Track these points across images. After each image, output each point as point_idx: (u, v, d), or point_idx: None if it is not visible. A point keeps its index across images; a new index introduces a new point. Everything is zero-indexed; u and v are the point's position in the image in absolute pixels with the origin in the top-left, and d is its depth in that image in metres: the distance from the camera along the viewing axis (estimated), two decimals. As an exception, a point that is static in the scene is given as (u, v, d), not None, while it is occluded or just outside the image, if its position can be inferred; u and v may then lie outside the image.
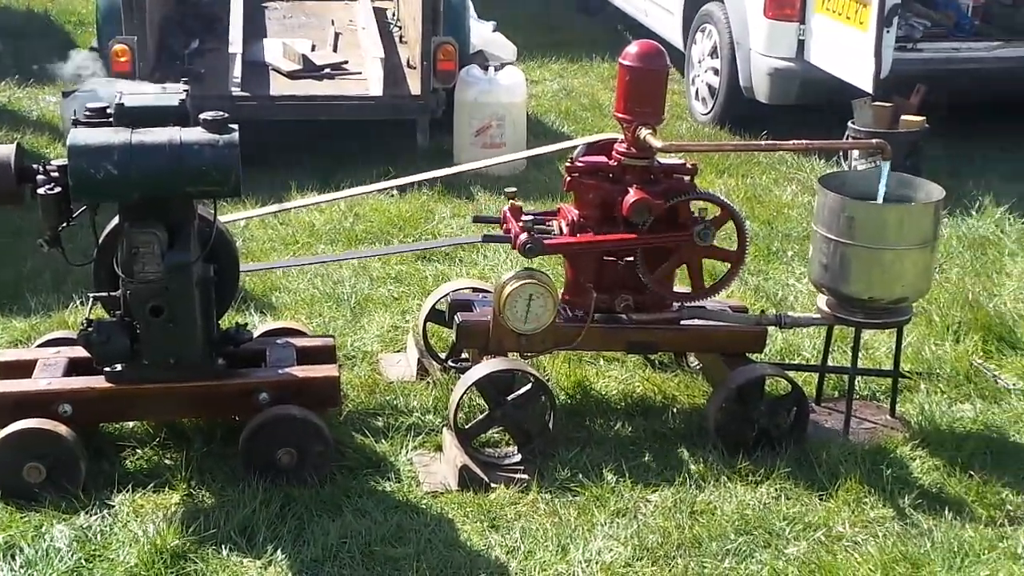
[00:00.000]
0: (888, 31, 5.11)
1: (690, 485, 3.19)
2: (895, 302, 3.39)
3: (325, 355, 3.33)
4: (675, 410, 3.57)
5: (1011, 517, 3.12)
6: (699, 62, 6.56)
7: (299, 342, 3.37)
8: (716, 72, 6.34)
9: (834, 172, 3.67)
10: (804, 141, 3.47)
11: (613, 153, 3.44)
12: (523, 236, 3.36)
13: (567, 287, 3.52)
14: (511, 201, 3.48)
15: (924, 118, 5.18)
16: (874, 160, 4.98)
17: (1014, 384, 3.77)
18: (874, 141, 3.42)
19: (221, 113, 2.96)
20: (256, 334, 3.45)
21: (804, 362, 3.85)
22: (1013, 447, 3.44)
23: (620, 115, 3.40)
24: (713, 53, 6.38)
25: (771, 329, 3.60)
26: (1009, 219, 5.09)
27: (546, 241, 3.39)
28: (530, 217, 3.50)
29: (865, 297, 3.36)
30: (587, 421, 3.50)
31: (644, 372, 3.77)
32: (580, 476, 3.20)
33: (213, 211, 3.09)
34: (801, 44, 5.74)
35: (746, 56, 6.04)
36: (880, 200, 3.36)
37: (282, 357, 3.27)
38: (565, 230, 3.46)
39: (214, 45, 6.09)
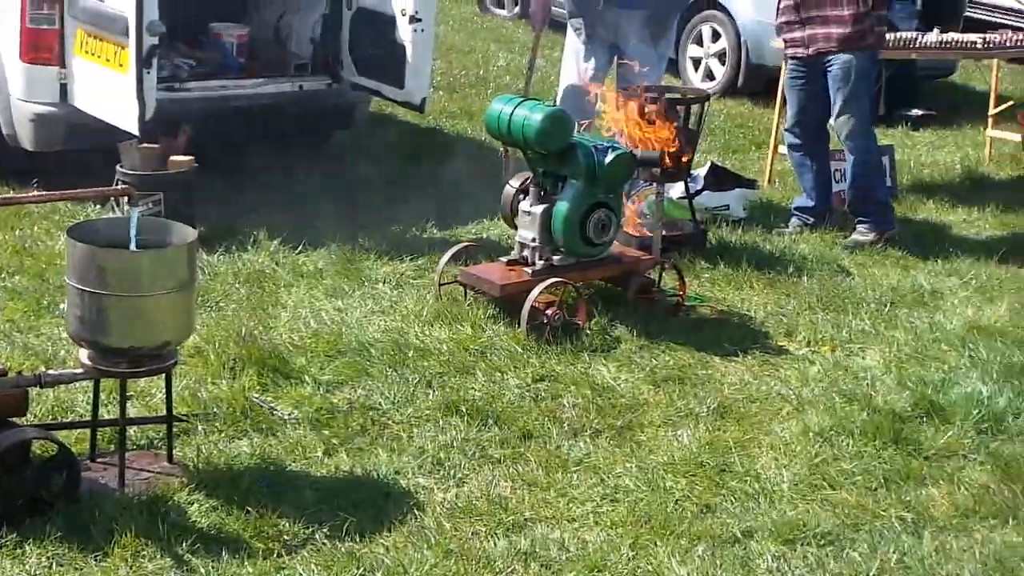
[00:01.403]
0: (148, 72, 5.17)
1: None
2: (159, 348, 3.45)
3: None
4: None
5: (287, 546, 3.31)
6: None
7: None
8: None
9: (85, 221, 3.65)
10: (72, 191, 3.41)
11: None
12: None
13: None
14: None
15: (192, 157, 5.34)
16: (149, 204, 5.03)
17: (290, 414, 4.02)
18: (119, 188, 3.45)
19: None
20: None
21: (79, 418, 3.79)
22: (290, 476, 3.67)
23: None
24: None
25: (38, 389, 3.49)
26: (283, 251, 5.42)
27: None
28: None
29: (126, 346, 3.38)
30: None
31: None
32: None
33: None
34: (64, 88, 5.62)
35: (7, 103, 5.77)
36: (133, 247, 3.40)
37: None
38: None
39: None
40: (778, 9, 6.10)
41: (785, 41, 6.13)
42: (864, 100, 6.02)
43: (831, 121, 6.10)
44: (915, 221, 6.47)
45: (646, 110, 5.34)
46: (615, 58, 6.12)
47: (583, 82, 5.85)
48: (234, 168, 6.18)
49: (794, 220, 6.18)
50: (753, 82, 9.34)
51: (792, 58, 6.10)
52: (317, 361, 4.37)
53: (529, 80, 6.41)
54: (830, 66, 5.93)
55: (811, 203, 6.18)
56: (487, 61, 10.07)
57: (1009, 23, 9.67)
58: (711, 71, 9.72)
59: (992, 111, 7.75)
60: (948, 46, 7.19)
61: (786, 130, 6.26)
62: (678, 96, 5.75)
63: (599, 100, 5.35)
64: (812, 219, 6.14)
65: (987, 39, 7.18)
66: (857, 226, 6.01)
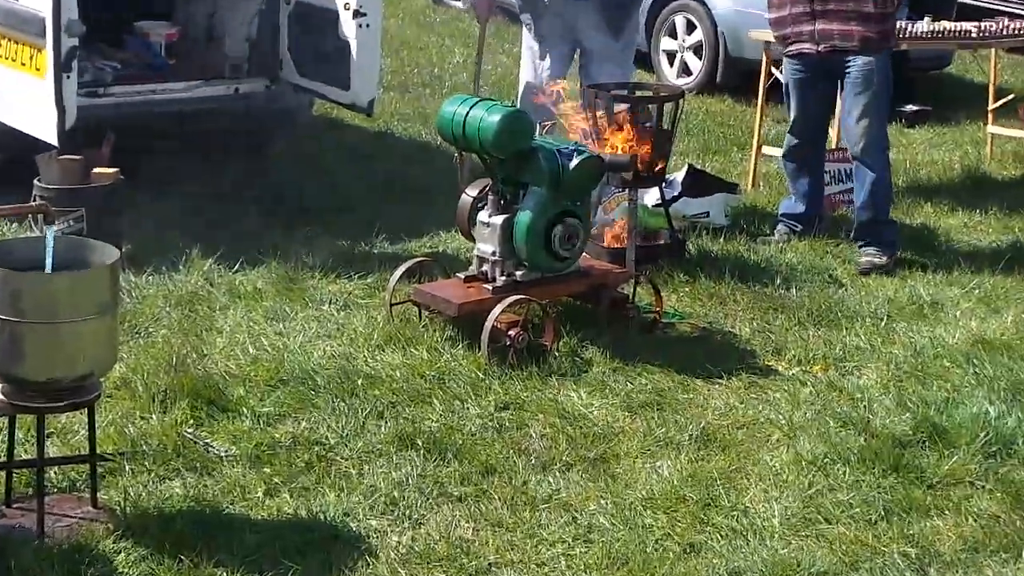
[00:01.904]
0: (68, 77, 5.13)
1: None
2: (80, 379, 3.41)
3: None
4: None
5: (225, 596, 3.28)
6: None
7: None
8: None
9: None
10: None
11: None
12: None
13: None
14: None
15: (117, 169, 5.29)
16: (69, 222, 4.98)
17: (227, 450, 3.98)
18: (35, 204, 3.41)
19: None
20: None
21: (-6, 460, 3.73)
22: (227, 520, 3.62)
23: None
24: None
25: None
26: (218, 270, 5.39)
27: None
28: None
29: (44, 379, 3.34)
30: None
31: None
32: None
33: None
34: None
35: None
36: (48, 269, 3.36)
37: None
38: None
39: None
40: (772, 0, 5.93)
41: (786, 37, 5.91)
42: (884, 109, 5.94)
43: (846, 127, 5.98)
44: (912, 226, 6.51)
45: (615, 110, 5.35)
46: (575, 53, 6.14)
47: (540, 82, 5.86)
48: (164, 180, 6.16)
49: (781, 227, 6.19)
50: (732, 77, 9.39)
51: (796, 56, 5.92)
52: (256, 391, 4.35)
53: (477, 78, 6.41)
54: (847, 68, 5.79)
55: (800, 208, 6.18)
56: (442, 58, 10.09)
57: (1007, 10, 9.78)
58: (687, 65, 9.77)
59: (991, 105, 7.82)
60: (941, 35, 7.26)
61: (789, 132, 6.16)
62: (650, 94, 5.77)
63: (559, 100, 5.36)
64: (800, 226, 6.14)
65: (982, 27, 7.25)
66: (864, 248, 5.89)
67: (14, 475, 3.63)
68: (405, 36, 10.78)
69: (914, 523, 3.77)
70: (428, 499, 3.78)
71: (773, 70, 7.11)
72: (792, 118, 6.10)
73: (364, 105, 6.08)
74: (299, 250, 5.63)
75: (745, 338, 5.02)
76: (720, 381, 4.62)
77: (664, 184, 5.82)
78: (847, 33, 5.74)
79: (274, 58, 6.42)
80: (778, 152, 7.59)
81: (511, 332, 4.62)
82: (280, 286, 5.28)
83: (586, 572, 3.48)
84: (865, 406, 4.43)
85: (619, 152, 5.17)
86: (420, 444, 4.03)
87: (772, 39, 6.41)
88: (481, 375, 4.51)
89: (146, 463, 3.86)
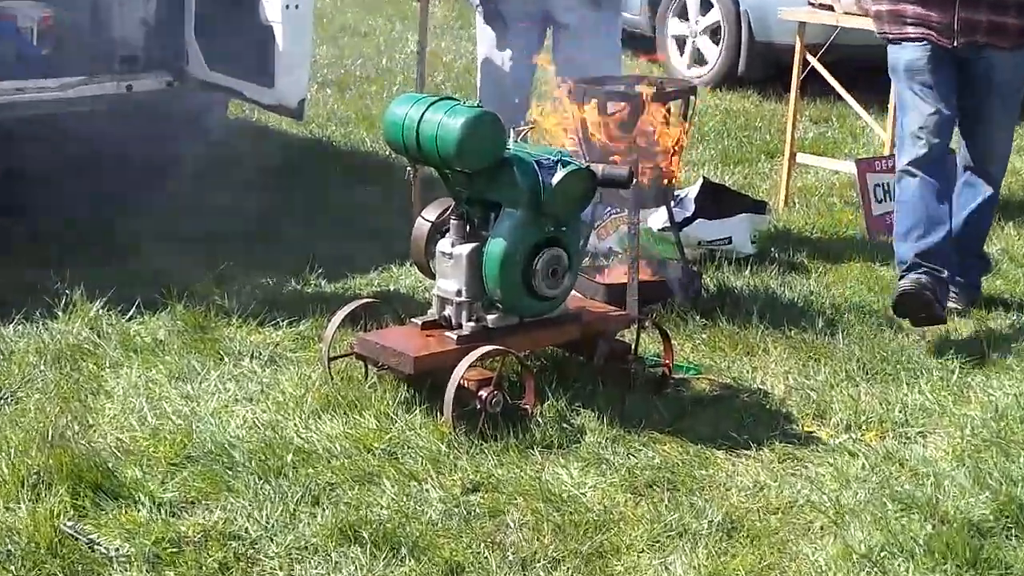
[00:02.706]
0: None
1: None
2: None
3: None
4: None
5: None
6: None
7: None
8: None
9: None
10: None
11: None
12: None
13: None
14: None
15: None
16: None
17: (118, 548, 3.93)
18: None
19: None
20: None
21: None
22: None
23: None
24: None
25: None
26: (107, 317, 5.37)
27: None
28: None
29: None
30: None
31: None
32: None
33: None
34: None
35: None
36: None
37: None
38: None
39: None
40: None
41: (900, 15, 5.61)
42: (1017, 117, 5.86)
43: (973, 132, 5.77)
44: (990, 252, 6.52)
45: (609, 110, 5.37)
46: (545, 32, 6.18)
47: (508, 75, 5.90)
48: (38, 203, 6.13)
49: (923, 277, 5.58)
50: (758, 67, 9.47)
51: (916, 40, 5.60)
52: (157, 472, 4.31)
53: (420, 70, 6.43)
54: (990, 68, 5.56)
55: (936, 240, 5.64)
56: (391, 46, 10.15)
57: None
58: (700, 53, 9.83)
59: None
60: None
61: (914, 134, 5.63)
62: (655, 89, 5.78)
63: (531, 97, 5.39)
64: (946, 270, 5.63)
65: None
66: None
67: None
68: (345, 20, 10.85)
69: (997, 632, 3.74)
70: (377, 609, 3.74)
71: (809, 58, 7.17)
72: (915, 122, 5.64)
73: (292, 106, 6.10)
74: (212, 290, 5.61)
75: (779, 398, 5.01)
76: (747, 453, 4.60)
77: (673, 202, 5.83)
78: (998, 26, 5.51)
79: (177, 48, 6.43)
80: (816, 160, 7.66)
81: (482, 393, 4.60)
82: (188, 337, 5.26)
83: None
84: (933, 483, 4.41)
85: (615, 163, 5.18)
86: (366, 537, 3.98)
87: (806, 19, 6.45)
88: (444, 448, 4.48)
89: (11, 567, 3.79)
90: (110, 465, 4.28)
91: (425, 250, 5.01)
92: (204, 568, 3.87)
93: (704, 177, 6.75)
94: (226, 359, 5.12)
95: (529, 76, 6.26)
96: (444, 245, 4.92)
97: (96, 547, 3.93)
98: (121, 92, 6.42)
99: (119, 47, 6.66)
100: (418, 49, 6.48)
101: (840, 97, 7.62)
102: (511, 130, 5.06)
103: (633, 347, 5.09)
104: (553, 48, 6.20)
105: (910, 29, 5.63)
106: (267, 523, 4.07)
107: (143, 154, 6.74)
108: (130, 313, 5.40)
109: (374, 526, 4.06)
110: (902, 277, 5.61)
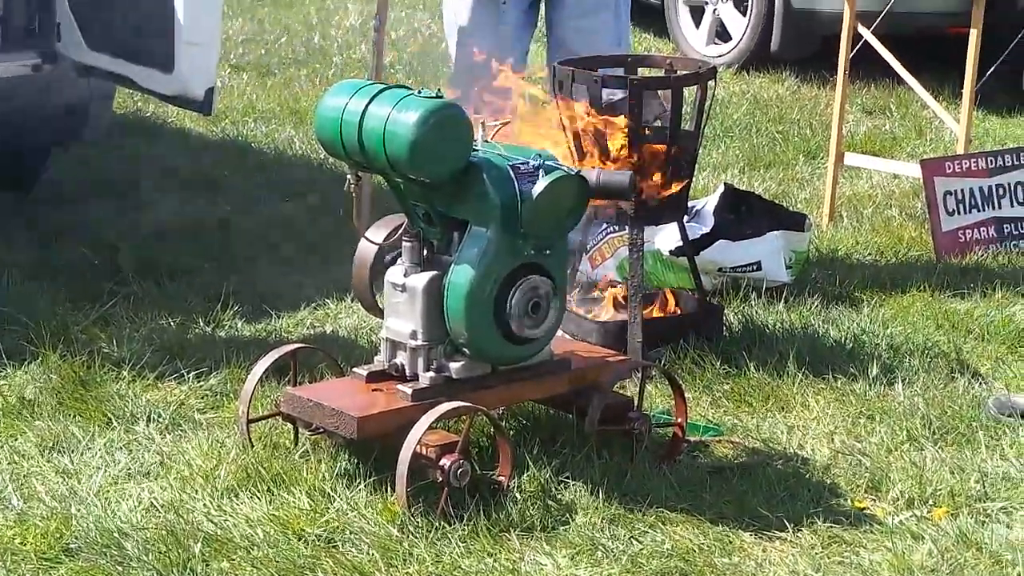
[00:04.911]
0: None
1: None
2: None
3: None
4: None
5: None
6: None
7: None
8: None
9: None
10: None
11: None
12: None
13: None
14: None
15: None
16: None
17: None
18: None
19: None
20: None
21: None
22: None
23: None
24: None
25: None
26: (-38, 372, 5.40)
27: None
28: None
29: None
30: None
31: None
32: None
33: None
34: None
35: None
36: None
37: None
38: None
39: None
40: None
41: None
42: None
43: None
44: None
45: (603, 100, 5.41)
46: (538, 3, 6.25)
47: (479, 54, 5.94)
48: None
49: None
50: (795, 44, 9.54)
51: None
52: (26, 570, 4.31)
53: (379, 50, 6.46)
54: None
55: None
56: (326, 20, 10.17)
57: None
58: (723, 26, 9.91)
59: None
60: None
61: None
62: (662, 73, 5.84)
63: (510, 81, 5.42)
64: None
65: None
66: None
67: None
68: (265, -16, 10.86)
69: None
70: None
71: (862, 30, 7.20)
72: None
73: (197, 97, 6.07)
74: (95, 334, 5.63)
75: (822, 464, 5.05)
76: (782, 536, 4.63)
77: (687, 217, 5.86)
78: None
79: (47, 22, 6.42)
80: (869, 162, 7.68)
81: (444, 462, 4.62)
82: (65, 394, 5.27)
83: None
84: (1019, 572, 4.46)
85: (610, 167, 5.21)
86: (298, 651, 4.03)
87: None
88: (396, 533, 4.50)
89: None
90: (-37, 562, 4.31)
91: (370, 281, 5.04)
92: None
93: (726, 184, 6.75)
94: (115, 423, 5.13)
95: (524, 52, 6.32)
96: (395, 274, 4.93)
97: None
98: (-29, 78, 6.40)
99: None
100: (374, 23, 6.47)
101: (901, 80, 7.68)
102: (481, 125, 5.06)
103: (636, 402, 5.11)
104: (545, 24, 6.25)
105: None
106: (169, 634, 4.11)
107: (3, 159, 6.74)
108: (-10, 364, 5.42)
109: (307, 636, 4.09)
110: None
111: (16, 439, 5.03)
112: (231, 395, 5.27)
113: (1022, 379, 5.70)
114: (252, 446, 4.94)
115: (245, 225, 6.74)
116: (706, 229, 6.24)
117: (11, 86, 6.44)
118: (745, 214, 6.43)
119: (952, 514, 4.78)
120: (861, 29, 7.19)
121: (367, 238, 5.08)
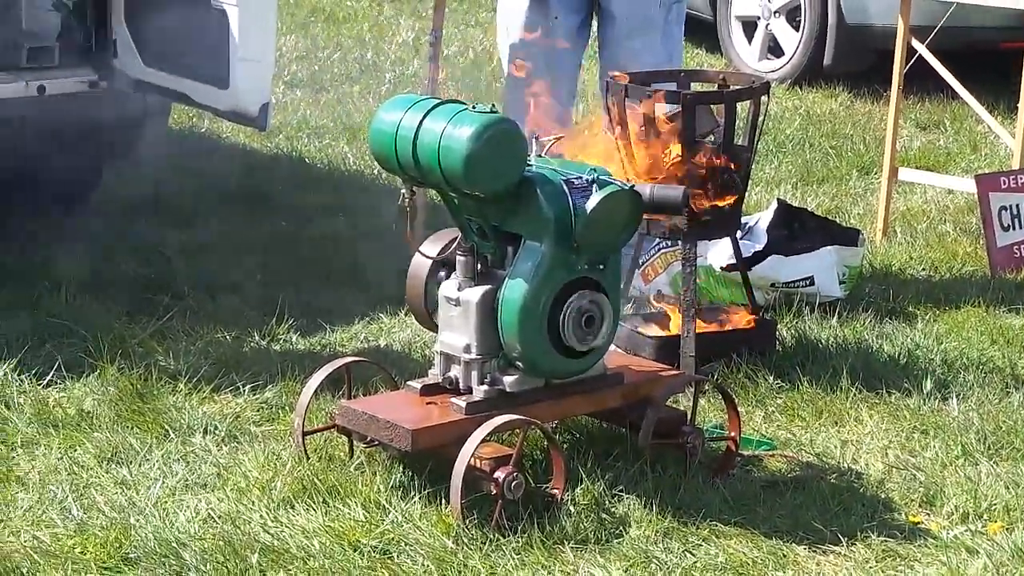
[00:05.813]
0: None
1: None
2: None
3: None
4: None
5: None
6: None
7: None
8: None
9: None
10: None
11: None
12: None
13: None
14: None
15: None
16: None
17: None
18: None
19: None
20: None
21: None
22: None
23: None
24: None
25: None
26: (18, 382, 5.42)
27: None
28: None
29: None
30: None
31: None
32: None
33: None
34: None
35: None
36: None
37: None
38: None
39: None
40: None
41: None
42: None
43: None
44: None
45: (656, 114, 5.43)
46: (590, 22, 6.27)
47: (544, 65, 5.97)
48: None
49: None
50: (849, 58, 9.53)
51: None
52: (85, 578, 4.37)
53: (435, 64, 6.47)
54: None
55: None
56: (380, 35, 10.17)
57: None
58: (775, 41, 9.92)
59: None
60: None
61: None
62: (715, 89, 5.86)
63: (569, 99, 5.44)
64: None
65: None
66: None
67: None
68: (317, 2, 10.88)
69: None
70: None
71: (916, 44, 7.19)
72: None
73: (252, 113, 6.07)
74: (153, 347, 5.67)
75: (876, 479, 5.06)
76: (836, 550, 4.63)
77: (741, 232, 5.87)
78: None
79: (103, 38, 6.45)
80: (924, 177, 7.67)
81: (498, 474, 4.64)
82: (123, 407, 5.31)
83: None
84: (1074, 586, 4.46)
85: (663, 183, 5.23)
86: (354, 659, 4.05)
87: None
88: (451, 544, 4.51)
89: None
90: (25, 571, 4.32)
91: (425, 295, 5.05)
92: None
93: (779, 199, 6.75)
94: (172, 435, 5.16)
95: (575, 69, 6.37)
96: (449, 288, 4.96)
97: None
98: (31, 95, 6.38)
99: (26, 36, 6.61)
100: (430, 39, 6.47)
101: (956, 95, 7.67)
102: (534, 140, 5.07)
103: (689, 416, 5.13)
104: (598, 43, 6.28)
105: None
106: (227, 642, 4.14)
107: (59, 174, 6.75)
108: (47, 377, 5.46)
109: (363, 645, 4.11)
110: None
111: (75, 450, 5.07)
112: (286, 408, 5.31)
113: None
114: (307, 458, 4.97)
115: (299, 239, 6.76)
116: (759, 245, 6.24)
117: (68, 102, 6.47)
118: (798, 230, 6.44)
119: (1007, 529, 4.78)
120: (915, 43, 7.20)
121: (421, 252, 5.09)
